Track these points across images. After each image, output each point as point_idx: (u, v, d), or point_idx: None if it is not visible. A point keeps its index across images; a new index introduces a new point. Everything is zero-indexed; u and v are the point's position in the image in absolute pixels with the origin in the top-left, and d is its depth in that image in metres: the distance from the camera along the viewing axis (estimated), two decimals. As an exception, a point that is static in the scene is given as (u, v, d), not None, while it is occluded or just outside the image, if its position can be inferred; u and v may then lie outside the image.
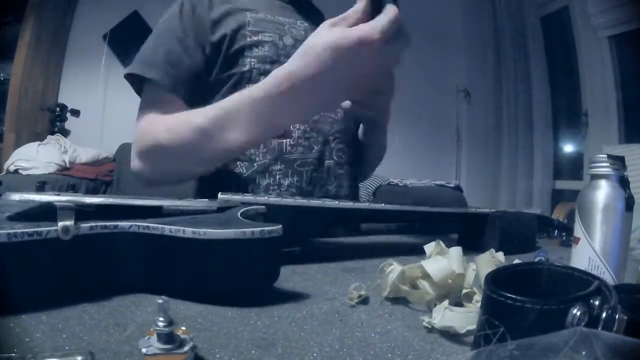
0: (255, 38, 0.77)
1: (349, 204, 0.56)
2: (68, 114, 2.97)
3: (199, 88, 0.74)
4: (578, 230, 0.45)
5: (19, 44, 2.67)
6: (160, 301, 0.24)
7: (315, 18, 0.88)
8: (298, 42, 0.78)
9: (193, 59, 0.74)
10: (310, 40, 0.55)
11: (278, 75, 0.56)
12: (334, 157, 0.81)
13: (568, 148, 3.15)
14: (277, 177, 0.76)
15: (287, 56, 0.63)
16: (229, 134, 0.60)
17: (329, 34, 0.53)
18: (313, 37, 0.55)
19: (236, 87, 0.75)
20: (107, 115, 3.04)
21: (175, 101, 0.71)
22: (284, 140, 0.77)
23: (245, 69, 0.75)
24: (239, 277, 0.34)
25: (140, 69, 0.71)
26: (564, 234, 0.76)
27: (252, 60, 0.76)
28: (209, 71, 0.76)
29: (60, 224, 0.31)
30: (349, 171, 0.83)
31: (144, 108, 0.73)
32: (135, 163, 0.71)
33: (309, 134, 0.79)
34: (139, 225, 0.35)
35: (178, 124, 0.66)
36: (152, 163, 0.69)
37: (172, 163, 0.68)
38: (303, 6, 0.88)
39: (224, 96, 0.65)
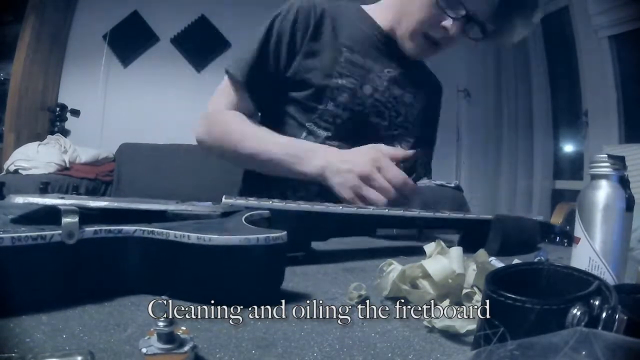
0: (340, 82, 0.82)
1: (352, 209, 0.56)
2: (68, 114, 2.97)
3: (273, 97, 0.84)
4: (578, 230, 0.45)
5: (19, 44, 2.67)
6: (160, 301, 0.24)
7: (407, 63, 0.89)
8: (377, 92, 0.85)
9: (277, 67, 0.82)
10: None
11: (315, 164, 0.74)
12: None
13: (568, 148, 3.15)
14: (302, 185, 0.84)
15: (360, 105, 0.83)
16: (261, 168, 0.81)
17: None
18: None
19: (307, 114, 0.83)
20: (107, 115, 3.04)
21: (247, 99, 0.83)
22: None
23: (321, 106, 0.82)
24: (243, 283, 0.34)
25: (233, 67, 0.83)
26: (565, 240, 0.76)
27: (330, 102, 0.82)
28: (288, 88, 0.84)
29: (65, 228, 0.31)
30: None
31: (220, 95, 0.86)
32: (197, 133, 0.86)
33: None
34: (143, 230, 0.34)
35: (234, 134, 0.81)
36: (206, 149, 0.87)
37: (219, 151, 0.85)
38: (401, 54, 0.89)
39: (292, 115, 0.84)
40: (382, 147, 0.73)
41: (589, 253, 0.43)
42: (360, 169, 0.69)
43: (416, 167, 0.73)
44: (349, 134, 0.83)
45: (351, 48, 0.83)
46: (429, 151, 1.03)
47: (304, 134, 0.83)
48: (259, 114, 0.89)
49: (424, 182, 2.73)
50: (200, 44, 3.12)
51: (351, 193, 0.69)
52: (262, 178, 0.85)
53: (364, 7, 0.91)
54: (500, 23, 0.81)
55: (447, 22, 0.77)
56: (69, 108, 2.97)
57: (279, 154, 0.76)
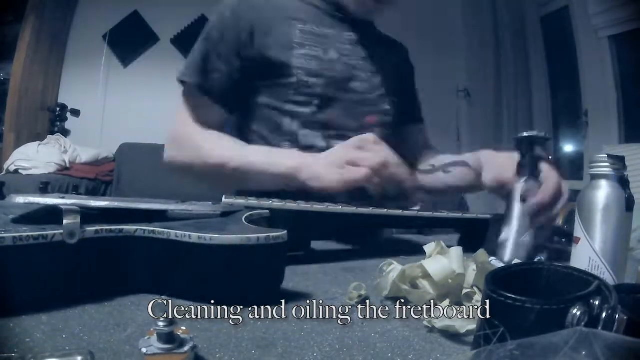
0: (303, 51, 0.79)
1: (351, 209, 0.56)
2: (68, 114, 2.97)
3: (237, 94, 0.80)
4: (578, 230, 0.45)
5: (19, 44, 2.67)
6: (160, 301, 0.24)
7: (361, 27, 0.88)
8: (343, 56, 0.83)
9: (230, 65, 0.78)
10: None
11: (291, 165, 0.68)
12: None
13: (568, 148, 3.14)
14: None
15: (331, 70, 0.80)
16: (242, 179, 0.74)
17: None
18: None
19: (281, 96, 0.80)
20: (107, 115, 3.04)
21: (210, 105, 0.79)
22: None
23: (292, 80, 0.78)
24: (243, 282, 0.34)
25: (181, 73, 0.79)
26: (563, 240, 0.76)
27: (299, 71, 0.78)
28: (250, 77, 0.79)
29: (66, 227, 0.31)
30: None
31: (182, 110, 0.81)
32: (165, 155, 0.82)
33: None
34: (144, 230, 0.34)
35: (189, 134, 0.78)
36: (177, 169, 0.82)
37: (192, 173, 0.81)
38: (349, 16, 0.87)
39: (267, 104, 0.79)
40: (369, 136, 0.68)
41: (589, 253, 0.43)
42: (342, 151, 0.65)
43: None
44: (334, 104, 0.80)
45: (303, 20, 0.82)
46: (417, 108, 1.03)
47: (288, 120, 0.80)
48: (231, 119, 0.86)
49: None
50: (200, 44, 3.12)
51: (338, 177, 0.63)
52: None
53: None
54: None
55: None
56: (69, 108, 2.97)
57: (247, 158, 0.72)
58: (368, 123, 0.83)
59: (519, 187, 0.53)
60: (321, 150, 0.73)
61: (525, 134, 0.56)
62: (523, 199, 0.53)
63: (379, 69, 0.88)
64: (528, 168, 0.54)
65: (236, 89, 0.79)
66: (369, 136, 0.67)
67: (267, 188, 0.71)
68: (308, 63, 0.79)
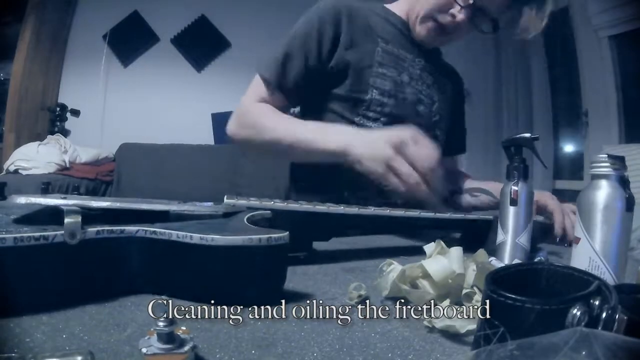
0: (381, 70, 0.84)
1: (353, 210, 0.56)
2: (68, 114, 2.97)
3: (310, 96, 0.85)
4: (578, 230, 0.45)
5: (19, 44, 2.67)
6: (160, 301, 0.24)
7: (430, 54, 0.93)
8: (412, 80, 0.89)
9: (310, 69, 0.82)
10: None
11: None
12: None
13: (568, 148, 3.14)
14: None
15: (402, 92, 0.86)
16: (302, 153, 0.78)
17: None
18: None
19: (353, 109, 0.84)
20: (107, 115, 3.04)
21: (282, 100, 0.84)
22: None
23: (367, 97, 0.83)
24: (245, 283, 0.34)
25: (262, 68, 0.83)
26: (564, 242, 0.76)
27: (375, 90, 0.83)
28: (327, 84, 0.84)
29: (67, 228, 0.31)
30: None
31: (251, 95, 0.85)
32: (228, 130, 0.86)
33: None
34: (145, 230, 0.34)
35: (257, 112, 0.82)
36: (237, 143, 0.86)
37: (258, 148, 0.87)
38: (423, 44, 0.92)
39: (337, 112, 0.84)
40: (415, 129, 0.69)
41: (589, 253, 0.43)
42: (393, 138, 0.64)
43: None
44: (398, 123, 0.82)
45: (385, 39, 0.86)
46: (463, 139, 1.10)
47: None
48: (301, 113, 0.91)
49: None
50: (201, 44, 3.12)
51: (382, 165, 0.63)
52: (311, 181, 0.87)
53: (386, 5, 0.95)
54: (510, 17, 0.84)
55: (455, 9, 0.81)
56: (69, 108, 2.97)
57: (302, 134, 0.76)
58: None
59: (508, 190, 0.54)
60: None
61: (511, 137, 0.57)
62: (514, 202, 0.53)
63: (439, 97, 0.94)
64: (518, 171, 0.54)
65: (310, 92, 0.85)
66: (420, 134, 0.67)
67: (322, 162, 0.76)
68: (383, 83, 0.84)
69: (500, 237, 0.54)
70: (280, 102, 0.85)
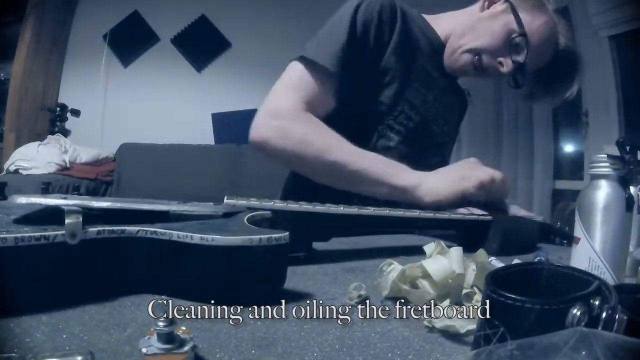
0: (416, 85, 0.82)
1: (353, 210, 0.56)
2: (68, 114, 2.97)
3: (357, 92, 0.78)
4: (578, 230, 0.45)
5: (19, 44, 2.68)
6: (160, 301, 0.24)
7: (450, 77, 0.91)
8: (436, 99, 0.87)
9: (368, 59, 0.77)
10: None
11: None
12: None
13: (568, 148, 3.14)
14: None
15: (427, 110, 0.84)
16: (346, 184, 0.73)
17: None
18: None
19: (380, 116, 0.80)
20: (107, 115, 3.04)
21: (330, 95, 0.75)
22: None
23: (397, 108, 0.80)
24: (245, 283, 0.34)
25: (314, 54, 0.73)
26: (564, 241, 0.76)
27: (406, 104, 0.81)
28: (375, 79, 0.79)
29: (68, 228, 0.31)
30: None
31: (291, 89, 0.74)
32: (260, 134, 0.73)
33: None
34: (146, 230, 0.34)
35: (317, 143, 0.72)
36: (272, 152, 0.74)
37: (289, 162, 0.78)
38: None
39: (362, 116, 0.79)
40: (473, 161, 0.77)
41: (589, 253, 0.43)
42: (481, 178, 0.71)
43: None
44: (414, 140, 0.83)
45: (424, 55, 0.84)
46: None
47: (375, 137, 0.80)
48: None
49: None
50: (201, 44, 3.13)
51: (452, 186, 0.71)
52: (309, 190, 0.81)
53: (425, 15, 0.90)
54: (540, 82, 0.85)
55: (507, 60, 0.79)
56: (69, 108, 2.97)
57: (371, 166, 0.72)
58: (431, 165, 0.83)
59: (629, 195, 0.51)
60: None
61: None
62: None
63: (449, 118, 0.94)
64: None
65: (359, 90, 0.77)
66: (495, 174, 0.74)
67: (376, 196, 0.73)
68: (414, 97, 0.82)
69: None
70: (326, 105, 0.75)
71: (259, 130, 0.73)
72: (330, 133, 0.73)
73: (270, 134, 0.72)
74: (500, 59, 0.80)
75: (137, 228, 0.34)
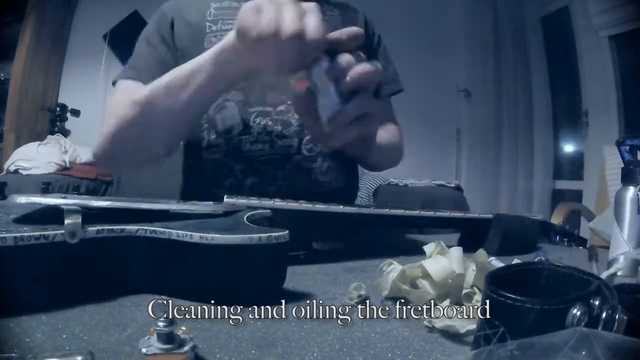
0: (215, 27, 0.76)
1: (353, 209, 0.56)
2: (68, 114, 2.97)
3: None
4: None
5: (19, 44, 2.68)
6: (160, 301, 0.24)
7: None
8: None
9: (160, 55, 0.76)
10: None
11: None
12: (304, 151, 0.75)
13: (568, 148, 3.15)
14: (239, 177, 0.75)
15: None
16: (170, 99, 0.58)
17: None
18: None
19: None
20: (107, 115, 3.03)
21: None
22: (242, 137, 0.74)
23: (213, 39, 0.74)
24: (245, 282, 0.34)
25: (121, 74, 0.78)
26: (565, 239, 0.76)
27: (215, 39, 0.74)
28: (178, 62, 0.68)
29: (67, 227, 0.31)
30: (326, 165, 0.77)
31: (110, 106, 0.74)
32: (101, 138, 0.68)
33: (271, 127, 0.74)
34: (145, 230, 0.34)
35: (120, 105, 0.66)
36: (106, 150, 0.69)
37: (124, 146, 0.68)
38: None
39: None
40: None
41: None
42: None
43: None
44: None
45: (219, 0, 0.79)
46: None
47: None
48: None
49: (424, 182, 2.73)
50: (200, 44, 3.12)
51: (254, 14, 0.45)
52: (200, 177, 0.78)
53: None
54: None
55: None
56: (69, 108, 2.97)
57: (197, 59, 0.57)
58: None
59: (634, 195, 0.49)
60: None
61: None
62: None
63: None
64: None
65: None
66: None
67: (220, 82, 0.58)
68: (220, 39, 0.65)
69: (621, 249, 0.47)
70: None
71: (98, 143, 0.70)
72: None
73: (106, 133, 0.67)
74: None
75: (137, 227, 0.34)
